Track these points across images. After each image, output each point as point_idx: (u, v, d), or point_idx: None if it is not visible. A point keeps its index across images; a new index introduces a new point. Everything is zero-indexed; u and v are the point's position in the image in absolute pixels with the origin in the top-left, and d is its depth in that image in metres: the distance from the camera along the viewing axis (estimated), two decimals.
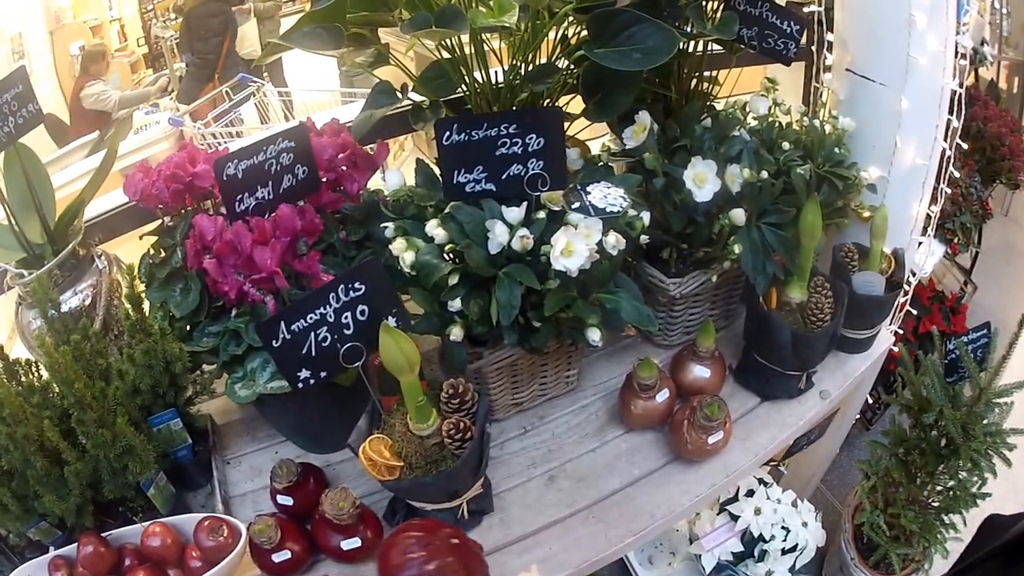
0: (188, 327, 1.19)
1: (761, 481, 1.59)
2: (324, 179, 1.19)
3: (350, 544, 1.13)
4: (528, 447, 1.27)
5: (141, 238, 1.24)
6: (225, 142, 3.32)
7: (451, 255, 1.09)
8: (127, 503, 1.27)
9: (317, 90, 3.83)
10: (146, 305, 1.20)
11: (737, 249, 1.24)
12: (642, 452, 1.25)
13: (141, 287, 1.17)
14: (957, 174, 1.92)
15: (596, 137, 1.49)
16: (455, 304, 1.06)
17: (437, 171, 1.18)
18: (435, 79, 1.17)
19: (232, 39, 4.49)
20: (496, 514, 1.17)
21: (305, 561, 1.17)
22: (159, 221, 1.26)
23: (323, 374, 1.04)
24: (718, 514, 1.59)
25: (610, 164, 1.26)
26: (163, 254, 1.22)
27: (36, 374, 1.30)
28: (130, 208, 1.39)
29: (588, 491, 1.19)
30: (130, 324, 1.17)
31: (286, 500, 1.19)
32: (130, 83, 4.57)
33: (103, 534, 1.21)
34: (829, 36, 1.56)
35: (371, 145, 1.29)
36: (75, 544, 1.23)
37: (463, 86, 1.20)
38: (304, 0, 5.95)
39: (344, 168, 1.19)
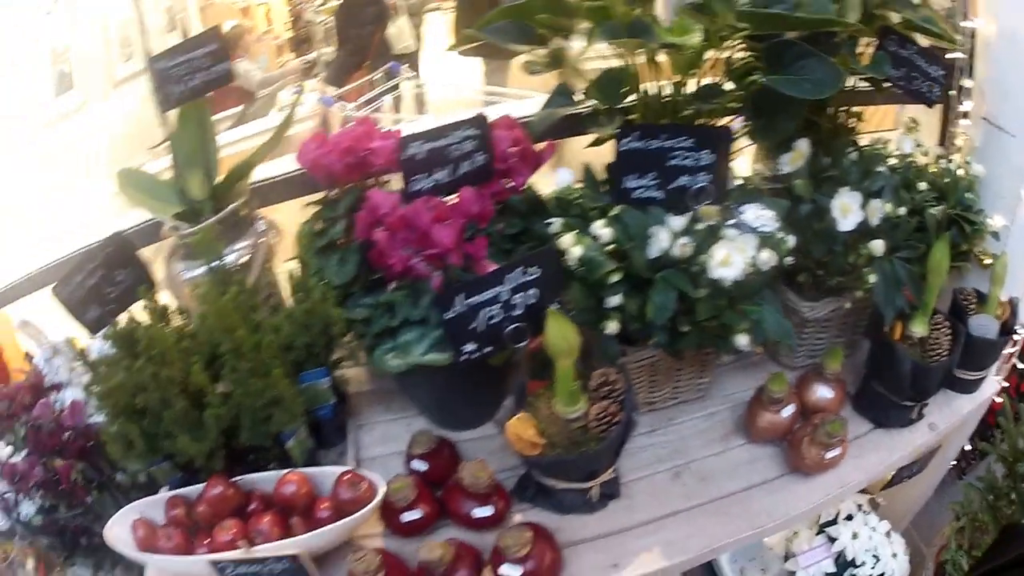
0: (342, 296, 1.40)
1: (860, 507, 1.79)
2: (496, 169, 1.40)
3: (482, 512, 1.33)
4: (656, 444, 1.48)
5: (306, 205, 1.45)
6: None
7: (611, 255, 1.29)
8: (259, 452, 1.47)
9: (460, 87, 4.11)
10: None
11: (872, 279, 1.44)
12: (762, 463, 1.45)
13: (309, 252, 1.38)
14: None
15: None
16: (614, 300, 1.27)
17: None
18: (608, 85, 1.39)
19: (383, 29, 4.82)
20: (622, 500, 1.38)
21: (430, 524, 1.36)
22: (321, 193, 1.47)
23: (487, 350, 1.25)
24: (816, 534, 1.79)
25: (760, 186, 1.46)
26: (322, 225, 1.43)
27: (185, 321, 1.50)
28: (289, 178, 1.60)
29: (710, 489, 1.40)
30: (296, 283, 1.37)
31: (421, 465, 1.39)
32: (276, 65, 4.94)
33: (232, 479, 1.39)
34: (970, 83, 1.75)
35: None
36: (194, 486, 1.41)
37: (632, 96, 1.40)
38: None
39: (513, 161, 1.40)
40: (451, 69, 4.93)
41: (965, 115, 1.78)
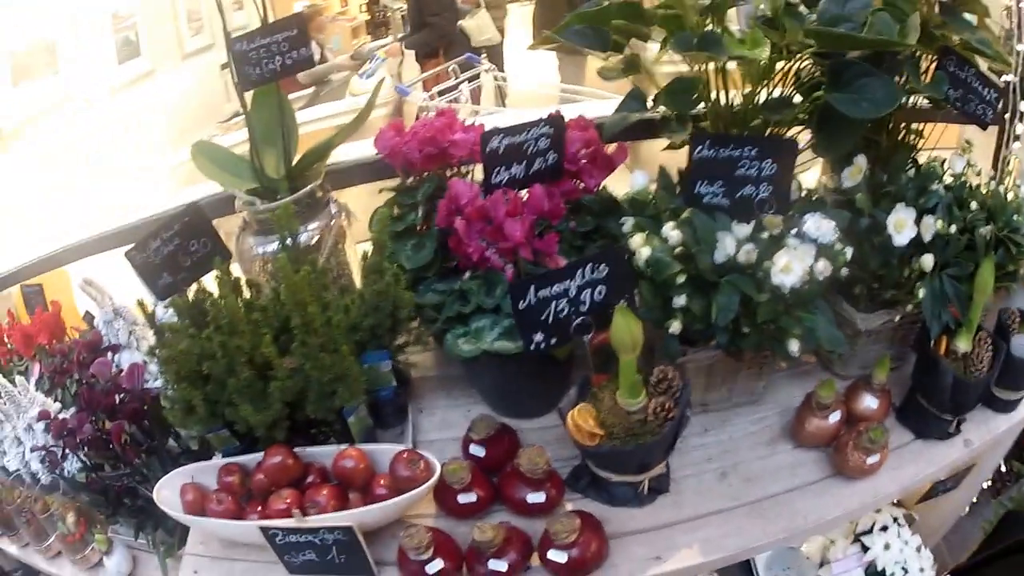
0: (412, 281, 1.48)
1: (896, 520, 1.87)
2: (568, 170, 1.48)
3: (536, 498, 1.41)
4: (707, 444, 1.56)
5: (380, 191, 1.53)
6: None
7: (679, 257, 1.37)
8: (321, 426, 1.54)
9: (535, 83, 4.21)
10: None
11: (921, 294, 1.51)
12: (805, 467, 1.53)
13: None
14: None
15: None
16: (679, 300, 1.35)
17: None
18: (679, 93, 1.46)
19: (456, 17, 4.94)
20: (670, 496, 1.46)
21: (485, 508, 1.45)
22: (395, 179, 1.54)
23: (554, 340, 1.33)
24: (851, 543, 1.87)
25: (824, 198, 1.54)
26: (399, 210, 1.50)
27: (255, 294, 1.57)
28: (364, 163, 1.68)
29: (753, 490, 1.47)
30: (370, 264, 1.45)
31: (478, 451, 1.47)
32: (351, 47, 5.04)
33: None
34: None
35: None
36: (250, 455, 1.49)
37: (703, 104, 1.47)
38: None
39: (585, 162, 1.48)
40: (532, 64, 5.05)
41: (1017, 138, 1.85)
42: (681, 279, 1.35)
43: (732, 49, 1.32)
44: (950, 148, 1.77)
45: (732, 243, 1.35)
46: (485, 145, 1.38)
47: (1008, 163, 1.87)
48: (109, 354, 1.99)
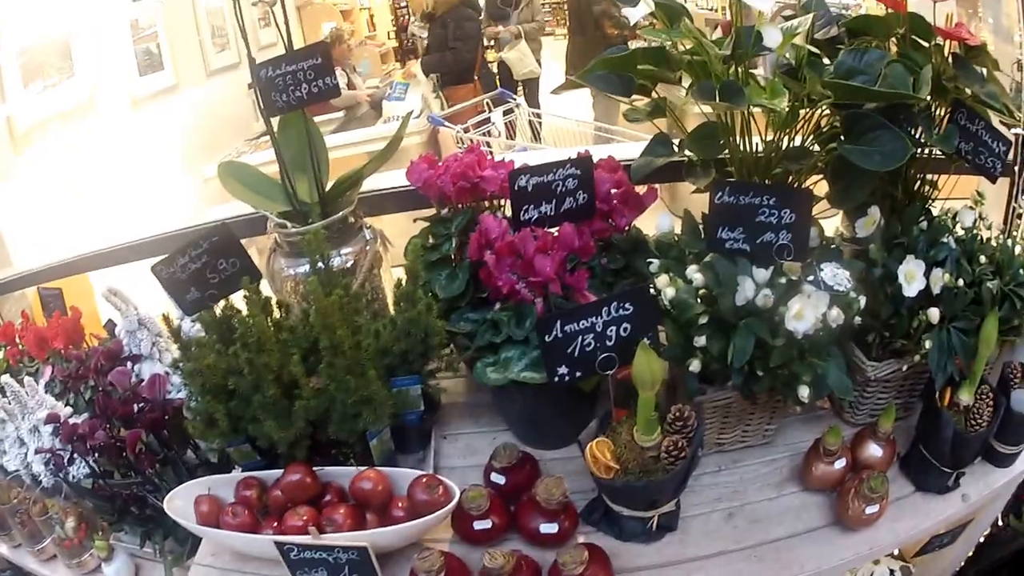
0: (446, 309, 1.54)
1: (892, 572, 1.93)
2: (599, 209, 1.55)
3: (549, 528, 1.47)
4: (719, 484, 1.63)
5: (415, 221, 1.60)
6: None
7: (701, 299, 1.44)
8: (342, 447, 1.60)
9: (569, 119, 4.29)
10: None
11: (927, 345, 1.58)
12: (809, 511, 1.59)
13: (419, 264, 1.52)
14: None
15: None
16: (700, 340, 1.42)
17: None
18: (704, 138, 1.54)
19: (479, 47, 5.03)
20: (678, 533, 1.52)
21: (499, 535, 1.51)
22: (429, 209, 1.61)
23: (578, 374, 1.40)
24: None
25: (841, 247, 1.61)
26: (433, 240, 1.57)
27: (284, 314, 1.63)
28: (396, 192, 1.75)
29: (757, 533, 1.54)
30: (403, 292, 1.52)
31: (499, 478, 1.53)
32: (380, 72, 5.12)
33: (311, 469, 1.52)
34: None
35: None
36: (268, 471, 1.55)
37: (727, 150, 1.55)
38: (554, 23, 6.63)
39: (616, 202, 1.55)
40: (567, 99, 5.17)
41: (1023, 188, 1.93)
42: (703, 320, 1.42)
43: (753, 99, 1.40)
44: (965, 197, 1.85)
45: (751, 287, 1.42)
46: (513, 183, 1.45)
47: (1018, 215, 1.94)
48: (129, 364, 2.04)
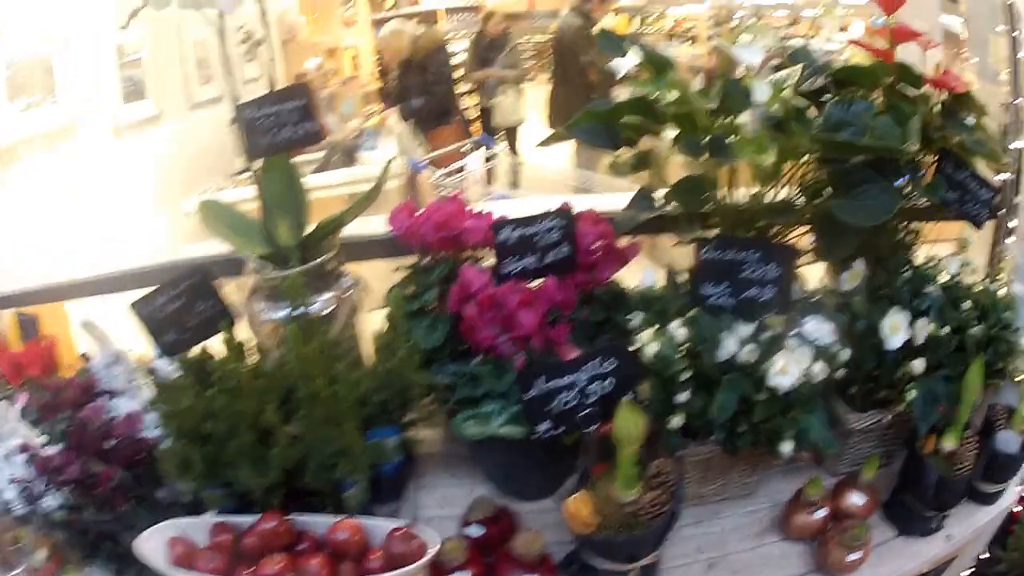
0: (425, 360, 1.54)
1: None
2: (581, 262, 1.55)
3: None
4: (699, 535, 1.63)
5: (395, 270, 1.59)
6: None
7: (684, 353, 1.44)
8: (317, 495, 1.59)
9: (550, 167, 4.28)
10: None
11: (912, 395, 1.59)
12: (790, 560, 1.60)
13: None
14: None
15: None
16: (682, 396, 1.41)
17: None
18: (688, 191, 1.54)
19: (452, 90, 5.05)
20: None
21: None
22: (410, 257, 1.60)
23: (560, 429, 1.40)
24: None
25: (824, 299, 1.61)
26: (414, 289, 1.56)
27: (261, 359, 1.62)
28: (378, 238, 1.74)
29: None
30: (384, 342, 1.51)
31: (477, 531, 1.53)
32: (362, 113, 5.09)
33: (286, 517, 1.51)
34: (1017, 199, 1.91)
35: None
36: (243, 516, 1.53)
37: (711, 202, 1.55)
38: (535, 69, 6.63)
39: (598, 255, 1.55)
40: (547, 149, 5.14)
41: (1011, 232, 1.94)
42: (685, 376, 1.42)
43: (739, 153, 1.40)
44: (949, 239, 1.86)
45: (734, 343, 1.42)
46: (497, 236, 1.45)
47: (1001, 258, 1.95)
48: (104, 398, 2.02)
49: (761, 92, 1.37)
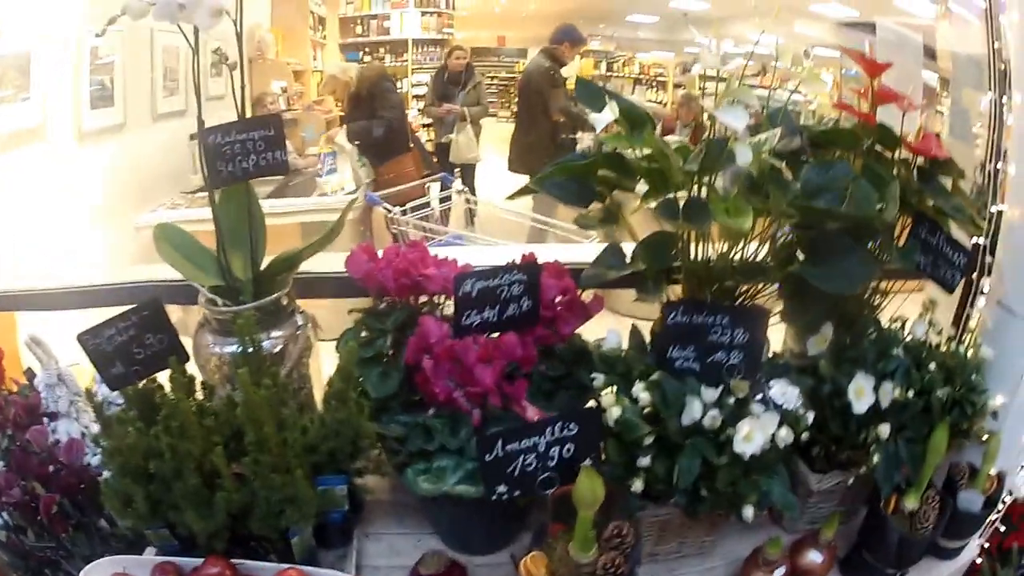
0: (376, 409, 1.50)
1: None
2: (542, 316, 1.52)
3: None
4: None
5: (350, 312, 1.55)
6: (414, 232, 4.01)
7: (646, 417, 1.42)
8: (263, 541, 1.56)
9: (508, 209, 4.23)
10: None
11: (876, 459, 1.58)
12: None
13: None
14: None
15: None
16: (644, 461, 1.39)
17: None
18: (656, 247, 1.51)
19: (404, 118, 5.03)
20: None
21: None
22: (366, 299, 1.56)
23: (517, 492, 1.37)
24: None
25: (789, 362, 1.60)
26: (367, 334, 1.53)
27: (208, 396, 1.58)
28: (335, 277, 1.69)
29: None
30: (335, 391, 1.47)
31: None
32: (324, 138, 5.01)
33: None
34: (989, 259, 1.91)
35: None
36: (187, 558, 1.50)
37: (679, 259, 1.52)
38: (498, 106, 6.57)
39: (560, 310, 1.52)
40: (505, 186, 5.12)
41: (981, 293, 1.94)
42: (648, 440, 1.40)
43: (715, 217, 1.37)
44: (916, 289, 1.85)
45: (699, 408, 1.40)
46: (458, 288, 1.41)
47: (970, 318, 1.95)
48: (47, 420, 1.97)
49: (744, 156, 1.34)
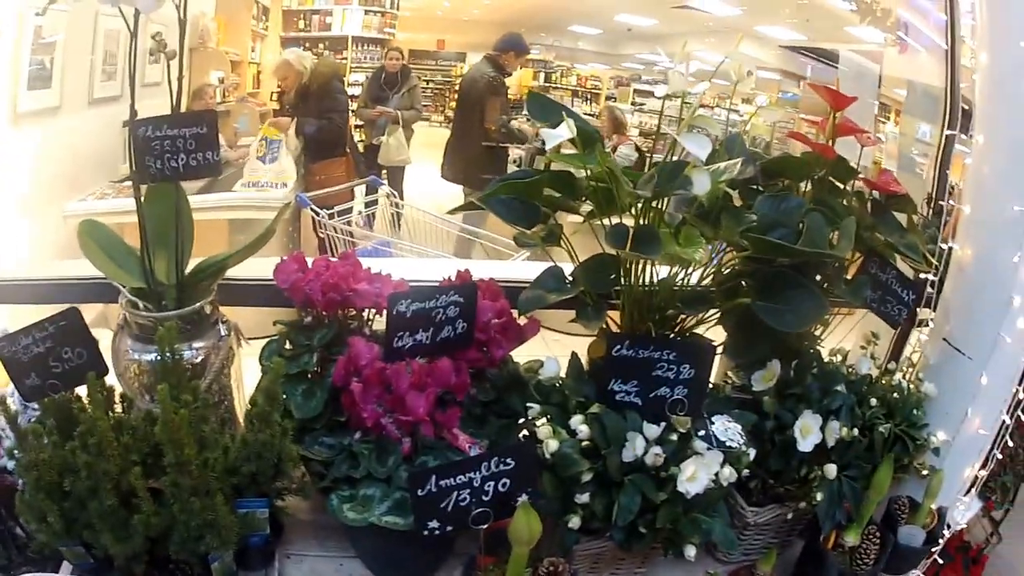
0: (299, 429, 1.43)
1: None
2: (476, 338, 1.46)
3: None
4: None
5: (275, 324, 1.47)
6: (341, 238, 3.88)
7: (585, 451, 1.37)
8: (181, 564, 1.49)
9: (435, 215, 4.14)
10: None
11: (819, 497, 1.56)
12: None
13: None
14: (1011, 443, 2.28)
15: None
16: (583, 497, 1.35)
17: None
18: (595, 271, 1.46)
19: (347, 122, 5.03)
20: None
21: None
22: (291, 309, 1.49)
23: (449, 528, 1.32)
24: None
25: (730, 396, 1.56)
26: (291, 349, 1.45)
27: (126, 409, 1.50)
28: (261, 284, 1.62)
29: None
30: (257, 412, 1.39)
31: None
32: (257, 131, 4.84)
33: None
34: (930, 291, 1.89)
35: None
36: None
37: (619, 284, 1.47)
38: (432, 109, 6.45)
39: (495, 333, 1.46)
40: (433, 191, 5.13)
41: (923, 323, 1.92)
42: (587, 477, 1.36)
43: (665, 247, 1.33)
44: (856, 308, 1.83)
45: (641, 444, 1.37)
46: (392, 308, 1.35)
47: (913, 351, 1.94)
48: None
49: (702, 184, 1.29)
